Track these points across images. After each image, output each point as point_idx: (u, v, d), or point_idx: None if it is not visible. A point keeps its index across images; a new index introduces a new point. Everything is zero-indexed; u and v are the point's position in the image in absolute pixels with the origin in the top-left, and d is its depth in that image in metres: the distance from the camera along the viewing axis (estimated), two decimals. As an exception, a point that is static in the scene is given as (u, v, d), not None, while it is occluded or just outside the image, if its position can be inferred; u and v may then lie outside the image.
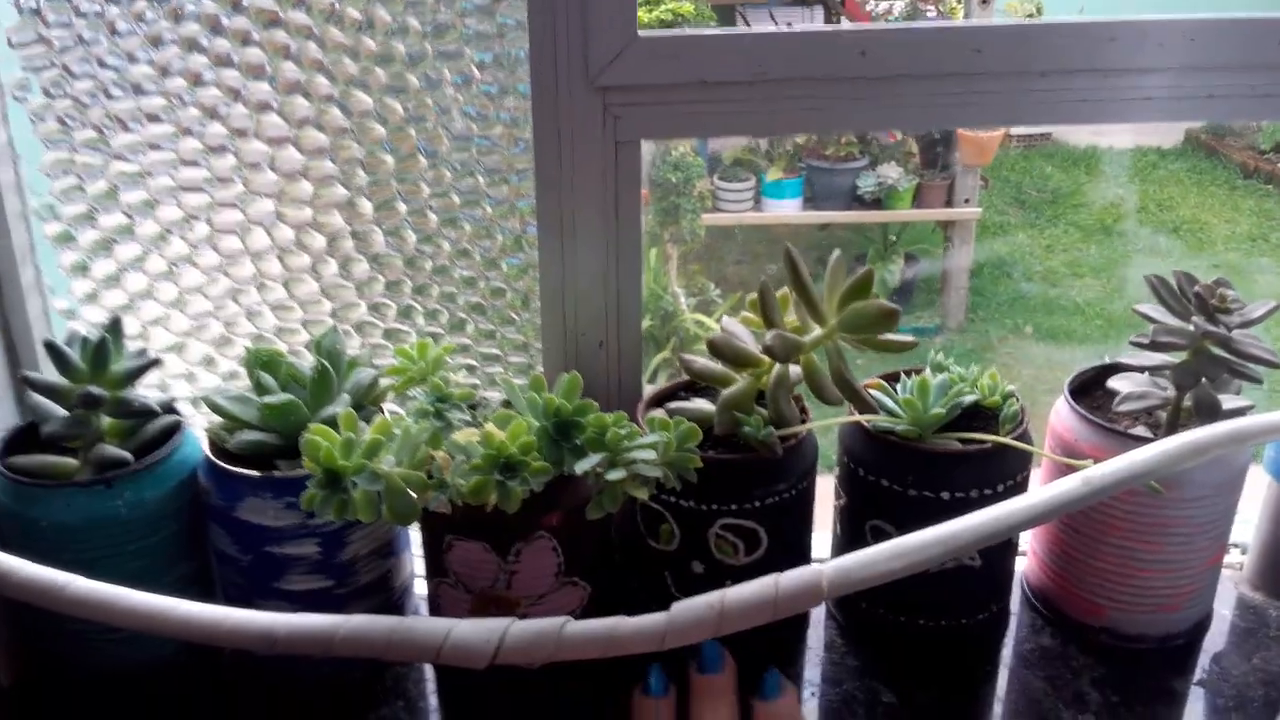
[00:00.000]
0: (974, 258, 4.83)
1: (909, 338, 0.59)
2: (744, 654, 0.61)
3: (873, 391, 0.65)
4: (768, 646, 0.66)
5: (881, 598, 0.66)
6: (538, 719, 0.64)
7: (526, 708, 0.64)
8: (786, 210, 4.68)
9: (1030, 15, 5.04)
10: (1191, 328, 0.61)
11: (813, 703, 0.65)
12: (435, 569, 0.63)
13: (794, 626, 0.70)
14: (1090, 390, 0.69)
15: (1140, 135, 6.74)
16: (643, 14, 3.23)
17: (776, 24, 5.38)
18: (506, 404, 0.62)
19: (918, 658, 0.67)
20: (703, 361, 0.62)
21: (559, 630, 0.52)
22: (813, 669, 0.68)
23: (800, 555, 0.66)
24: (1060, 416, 0.66)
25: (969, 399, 0.65)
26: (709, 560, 0.63)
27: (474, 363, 0.70)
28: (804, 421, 0.63)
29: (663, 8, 3.30)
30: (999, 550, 0.65)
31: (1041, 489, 0.54)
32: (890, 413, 0.64)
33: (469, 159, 0.66)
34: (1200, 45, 0.62)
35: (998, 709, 0.65)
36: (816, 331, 0.59)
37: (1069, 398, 0.66)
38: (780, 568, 0.52)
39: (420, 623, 0.53)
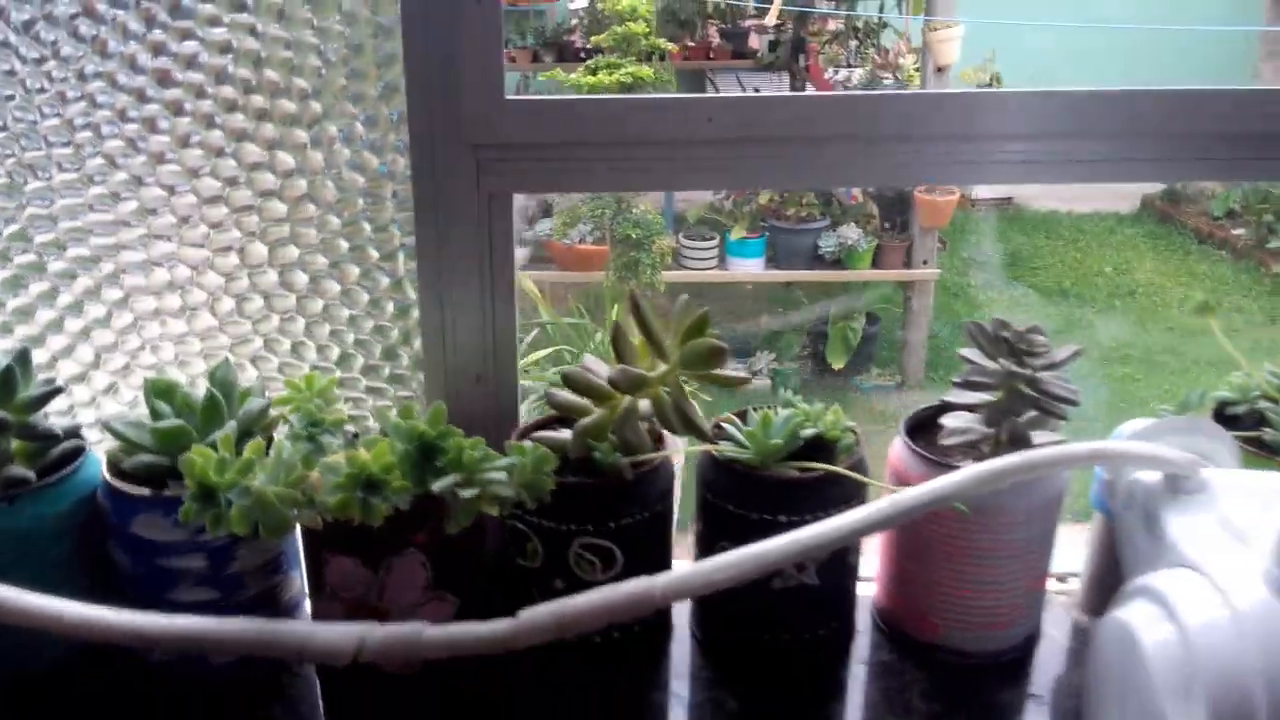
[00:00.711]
0: (933, 317, 4.92)
1: (742, 374, 0.66)
2: (612, 665, 0.67)
3: (725, 424, 0.71)
4: (644, 657, 0.72)
5: (735, 616, 0.72)
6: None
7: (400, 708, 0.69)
8: (750, 269, 4.78)
9: (985, 84, 5.18)
10: (1001, 369, 0.67)
11: (677, 708, 0.70)
12: (315, 584, 0.68)
13: (660, 641, 0.75)
14: (927, 427, 0.75)
15: (1098, 201, 6.91)
16: (603, 77, 3.33)
17: (744, 89, 5.53)
18: (384, 433, 0.67)
19: (765, 671, 0.72)
20: (564, 395, 0.68)
21: (419, 634, 0.58)
22: (677, 681, 0.73)
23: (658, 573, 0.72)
24: (896, 451, 0.73)
25: (809, 432, 0.71)
26: (570, 577, 0.69)
27: (361, 395, 0.76)
28: (658, 450, 0.69)
29: (622, 71, 3.41)
30: (835, 571, 0.71)
31: (853, 510, 0.60)
32: (738, 443, 0.70)
33: (355, 211, 0.72)
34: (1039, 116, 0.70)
35: (834, 717, 0.70)
36: (661, 368, 0.65)
37: (903, 434, 0.72)
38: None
39: (288, 623, 0.58)
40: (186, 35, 0.69)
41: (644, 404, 0.67)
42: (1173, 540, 0.60)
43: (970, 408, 0.71)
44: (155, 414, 0.67)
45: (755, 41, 6.27)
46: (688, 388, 0.68)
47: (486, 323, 0.72)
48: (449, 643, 0.58)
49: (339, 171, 0.71)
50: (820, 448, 0.72)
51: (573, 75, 3.61)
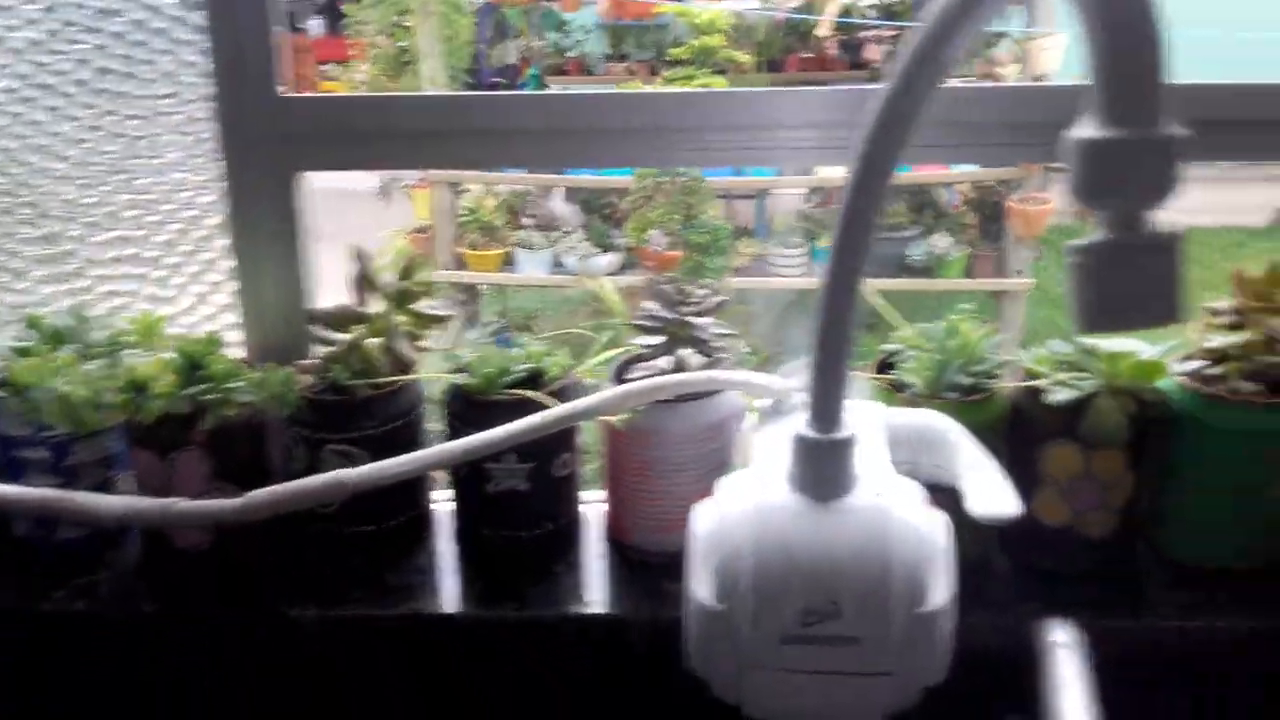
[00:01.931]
0: (1029, 326, 4.86)
1: (444, 312, 0.82)
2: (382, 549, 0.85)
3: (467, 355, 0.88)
4: (409, 543, 0.88)
5: (470, 514, 0.88)
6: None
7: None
8: (840, 276, 4.81)
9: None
10: (661, 314, 0.82)
11: (430, 583, 0.87)
12: (137, 478, 0.88)
13: (422, 533, 0.92)
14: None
15: (1228, 216, 6.63)
16: (679, 86, 3.50)
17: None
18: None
19: (493, 558, 0.88)
20: (321, 331, 0.86)
21: (171, 506, 0.76)
22: (437, 561, 0.89)
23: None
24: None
25: (524, 366, 0.86)
26: (328, 477, 0.86)
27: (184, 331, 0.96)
28: (405, 373, 0.86)
29: (695, 82, 3.57)
30: (544, 478, 0.86)
31: (514, 423, 0.76)
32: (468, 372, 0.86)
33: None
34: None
35: (541, 594, 0.85)
36: (379, 308, 0.82)
37: (612, 377, 0.87)
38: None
39: (84, 495, 0.77)
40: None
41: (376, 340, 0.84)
42: (755, 448, 0.74)
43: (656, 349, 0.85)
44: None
45: (873, 52, 6.31)
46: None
47: (284, 279, 0.91)
48: (195, 513, 0.77)
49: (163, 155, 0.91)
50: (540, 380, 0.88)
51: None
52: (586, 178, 4.47)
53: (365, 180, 4.85)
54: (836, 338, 0.63)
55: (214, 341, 0.83)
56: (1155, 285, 0.43)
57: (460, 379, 0.85)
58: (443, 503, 0.93)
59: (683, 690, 0.68)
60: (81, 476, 0.88)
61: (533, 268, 4.60)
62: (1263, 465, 0.80)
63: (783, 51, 5.94)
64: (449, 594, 0.86)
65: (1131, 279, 0.43)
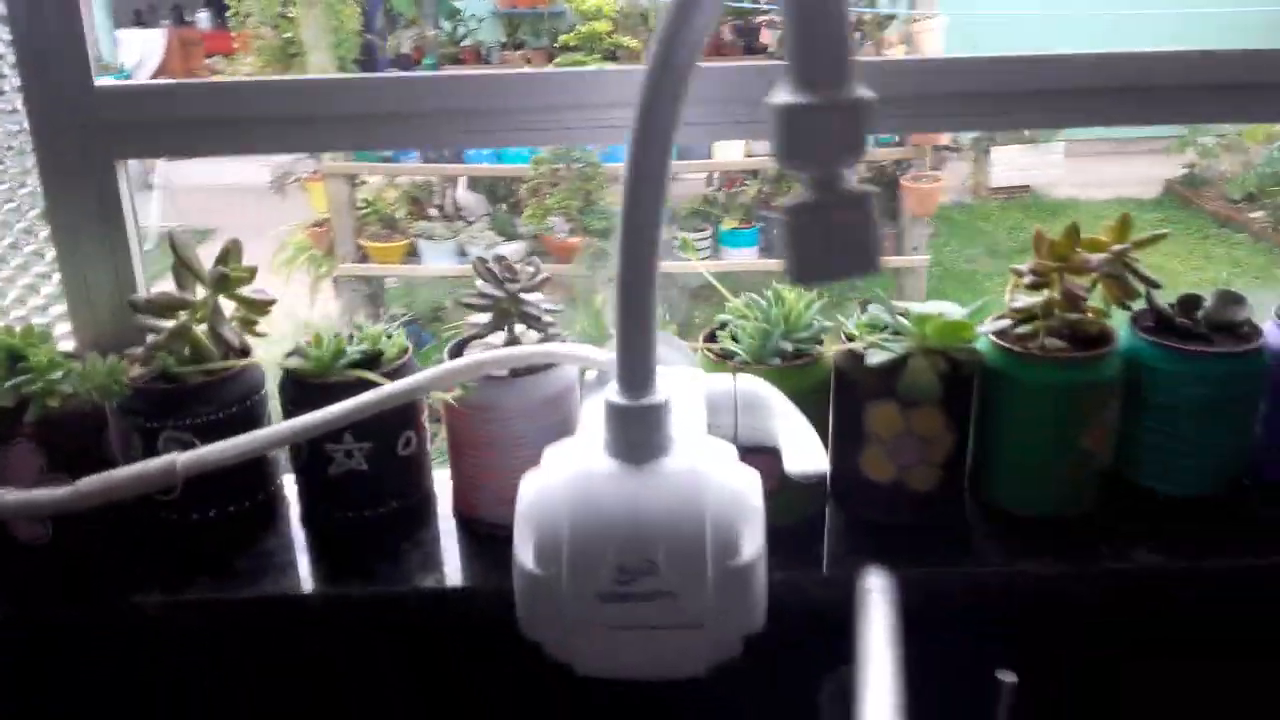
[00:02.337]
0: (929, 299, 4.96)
1: (267, 297, 0.82)
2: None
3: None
4: (261, 526, 0.88)
5: (314, 495, 0.89)
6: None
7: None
8: (744, 258, 4.89)
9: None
10: (490, 291, 0.83)
11: (276, 564, 0.87)
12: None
13: (271, 516, 0.92)
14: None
15: (1119, 188, 6.85)
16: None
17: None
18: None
19: (349, 541, 0.88)
20: (144, 320, 0.85)
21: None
22: (284, 542, 0.89)
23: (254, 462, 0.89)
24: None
25: (360, 347, 0.87)
26: (166, 465, 0.86)
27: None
28: (238, 358, 0.86)
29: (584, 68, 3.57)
30: (385, 459, 0.86)
31: (342, 403, 0.76)
32: (304, 356, 0.87)
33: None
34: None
35: (390, 571, 0.86)
36: (201, 294, 0.82)
37: (447, 354, 0.88)
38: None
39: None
40: None
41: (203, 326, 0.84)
42: (579, 417, 0.75)
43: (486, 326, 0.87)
44: None
45: (766, 36, 6.37)
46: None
47: (110, 269, 0.90)
48: (23, 504, 0.76)
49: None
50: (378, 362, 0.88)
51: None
52: (486, 166, 4.46)
53: (257, 174, 4.77)
54: (638, 307, 0.64)
55: (35, 333, 0.82)
56: (852, 240, 0.46)
57: (293, 363, 0.86)
58: (290, 486, 0.93)
59: (526, 656, 0.69)
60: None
61: (437, 258, 4.58)
62: (1070, 417, 0.84)
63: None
64: (296, 576, 0.86)
65: (831, 235, 0.46)
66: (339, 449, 0.85)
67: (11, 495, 0.76)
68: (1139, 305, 0.88)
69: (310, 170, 5.00)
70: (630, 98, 0.53)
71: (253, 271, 0.82)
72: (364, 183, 4.60)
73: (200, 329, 0.83)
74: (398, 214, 4.52)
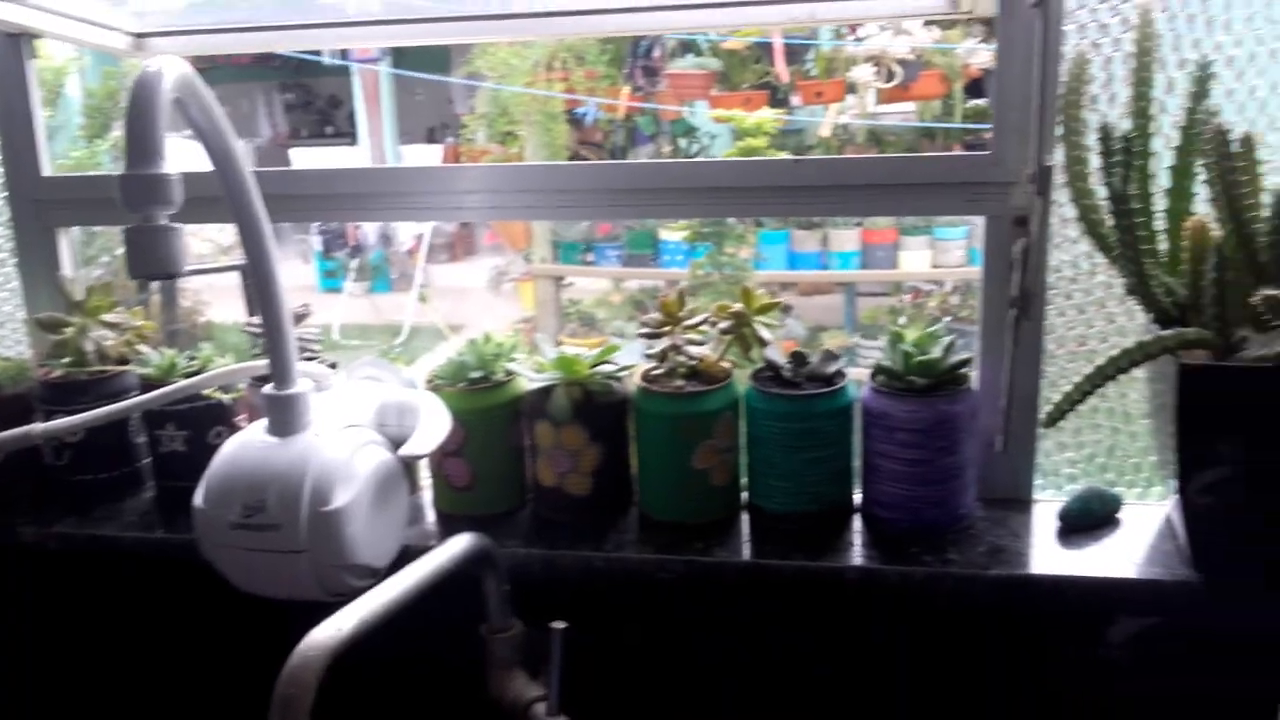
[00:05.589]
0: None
1: (136, 322, 1.18)
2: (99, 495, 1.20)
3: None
4: (124, 492, 1.23)
5: (158, 470, 1.22)
6: None
7: None
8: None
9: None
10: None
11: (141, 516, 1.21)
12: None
13: (134, 485, 1.26)
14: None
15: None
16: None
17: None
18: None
19: (175, 504, 1.21)
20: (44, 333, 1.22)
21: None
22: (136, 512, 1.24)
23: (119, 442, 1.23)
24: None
25: (195, 364, 1.20)
26: (59, 443, 1.22)
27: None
28: (117, 367, 1.22)
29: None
30: (198, 444, 1.19)
31: (140, 397, 1.10)
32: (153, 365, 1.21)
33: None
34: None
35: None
36: (77, 318, 1.19)
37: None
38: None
39: None
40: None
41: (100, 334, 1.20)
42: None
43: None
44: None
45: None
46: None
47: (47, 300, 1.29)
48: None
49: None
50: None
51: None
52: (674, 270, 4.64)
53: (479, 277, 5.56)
54: (275, 328, 0.95)
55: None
56: (163, 255, 0.76)
57: (148, 370, 1.20)
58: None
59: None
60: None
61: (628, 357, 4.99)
62: (678, 441, 1.06)
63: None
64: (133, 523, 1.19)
65: (146, 250, 0.76)
66: (165, 434, 1.18)
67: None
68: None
69: (522, 271, 5.58)
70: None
71: (112, 304, 1.18)
72: (571, 284, 5.08)
73: (88, 344, 1.19)
74: (599, 314, 4.99)
